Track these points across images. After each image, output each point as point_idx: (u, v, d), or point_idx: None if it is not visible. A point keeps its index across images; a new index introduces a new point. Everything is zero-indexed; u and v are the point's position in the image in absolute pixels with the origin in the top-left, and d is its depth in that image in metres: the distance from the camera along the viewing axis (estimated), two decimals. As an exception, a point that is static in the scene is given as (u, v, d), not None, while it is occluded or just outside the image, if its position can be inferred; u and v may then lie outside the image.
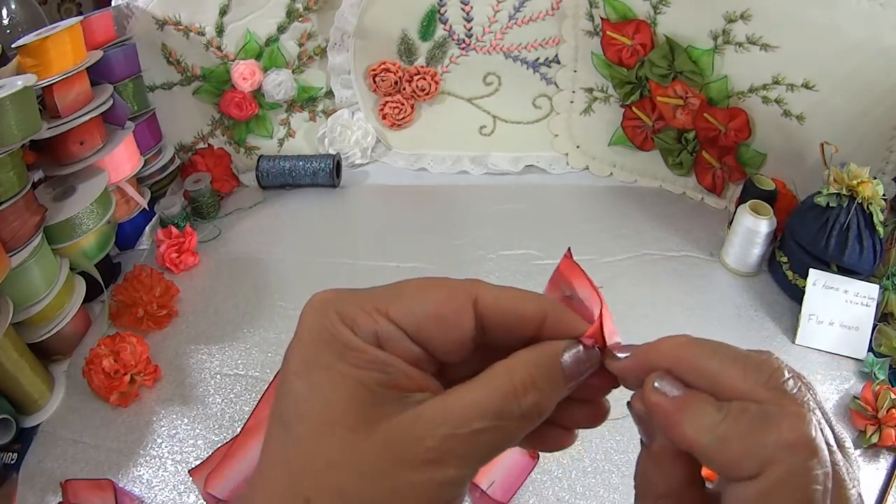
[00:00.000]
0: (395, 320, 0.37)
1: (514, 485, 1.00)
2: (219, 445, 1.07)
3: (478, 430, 0.34)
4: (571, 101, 1.74)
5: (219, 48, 1.62)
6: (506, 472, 1.01)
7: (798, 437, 0.32)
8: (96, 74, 1.34)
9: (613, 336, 0.40)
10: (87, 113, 1.25)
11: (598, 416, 0.42)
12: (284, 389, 0.35)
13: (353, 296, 0.37)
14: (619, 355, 0.39)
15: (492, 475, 1.00)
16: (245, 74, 1.63)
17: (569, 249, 0.44)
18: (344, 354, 0.35)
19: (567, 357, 0.38)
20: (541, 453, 1.03)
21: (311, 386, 0.35)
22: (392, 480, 0.33)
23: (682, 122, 1.55)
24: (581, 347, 0.38)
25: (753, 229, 1.34)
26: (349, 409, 0.34)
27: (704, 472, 0.38)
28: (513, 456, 1.04)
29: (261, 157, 1.72)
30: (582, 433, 0.97)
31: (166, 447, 1.08)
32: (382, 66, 1.72)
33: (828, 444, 0.33)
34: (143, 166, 1.50)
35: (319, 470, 0.33)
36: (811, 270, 1.25)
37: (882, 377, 1.15)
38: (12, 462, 1.04)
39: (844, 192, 1.22)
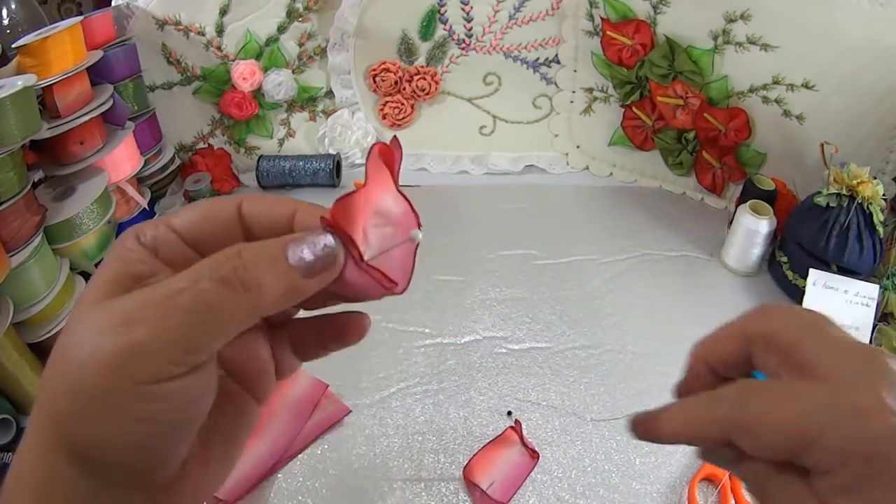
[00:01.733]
0: (174, 227, 0.39)
1: (515, 484, 1.00)
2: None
3: (173, 291, 0.34)
4: (571, 101, 1.74)
5: (219, 48, 1.62)
6: (506, 472, 1.01)
7: None
8: (96, 74, 1.34)
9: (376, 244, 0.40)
10: (87, 113, 1.25)
11: (354, 327, 0.43)
12: None
13: (157, 219, 0.41)
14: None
15: (492, 475, 1.00)
16: (245, 74, 1.63)
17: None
18: (116, 252, 0.38)
19: (294, 247, 0.37)
20: (542, 455, 1.03)
21: (93, 276, 0.38)
22: (94, 342, 0.34)
23: (682, 122, 1.55)
24: (314, 235, 0.38)
25: (753, 229, 1.34)
26: (99, 289, 0.36)
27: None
28: (513, 456, 1.04)
29: (261, 157, 1.72)
30: (582, 434, 0.96)
31: (166, 447, 1.08)
32: (382, 66, 1.72)
33: None
34: (144, 166, 1.49)
35: (63, 333, 0.36)
36: (811, 270, 1.25)
37: (882, 377, 1.14)
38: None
39: (844, 192, 1.22)
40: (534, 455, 1.03)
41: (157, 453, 0.36)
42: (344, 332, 0.43)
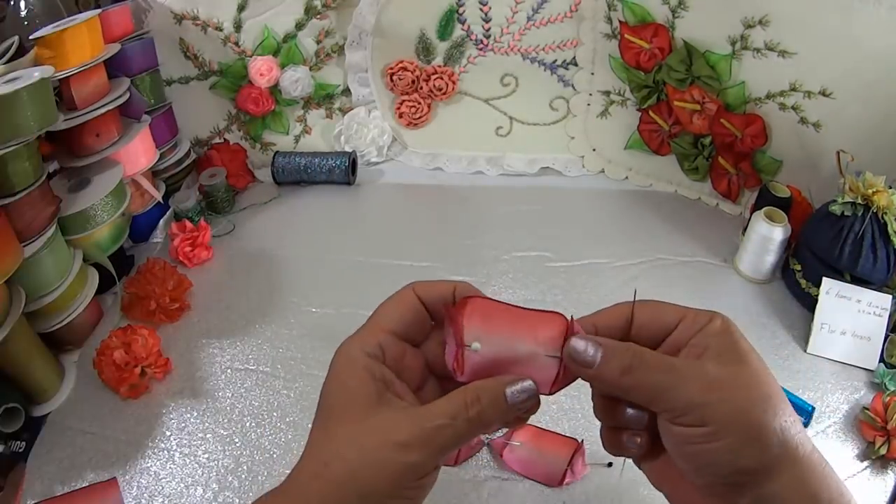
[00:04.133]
0: (388, 329, 0.55)
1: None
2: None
3: (438, 426, 0.50)
4: (588, 104, 1.74)
5: (236, 44, 1.62)
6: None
7: None
8: (113, 67, 1.35)
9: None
10: (103, 105, 1.26)
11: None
12: (323, 400, 0.54)
13: (363, 328, 0.56)
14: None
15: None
16: (262, 70, 1.63)
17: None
18: (349, 373, 0.53)
19: (510, 388, 0.52)
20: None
21: (340, 391, 0.53)
22: (376, 455, 0.49)
23: (699, 127, 1.54)
24: (523, 383, 0.53)
25: (768, 236, 1.33)
26: (359, 406, 0.51)
27: None
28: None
29: (276, 153, 1.72)
30: (591, 437, 0.96)
31: (175, 440, 1.08)
32: (400, 65, 1.72)
33: None
34: (159, 160, 1.50)
35: (335, 442, 0.50)
36: (824, 279, 1.24)
37: (892, 388, 1.14)
38: (20, 451, 1.05)
39: (859, 201, 1.21)
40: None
41: None
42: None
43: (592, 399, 0.58)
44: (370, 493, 0.49)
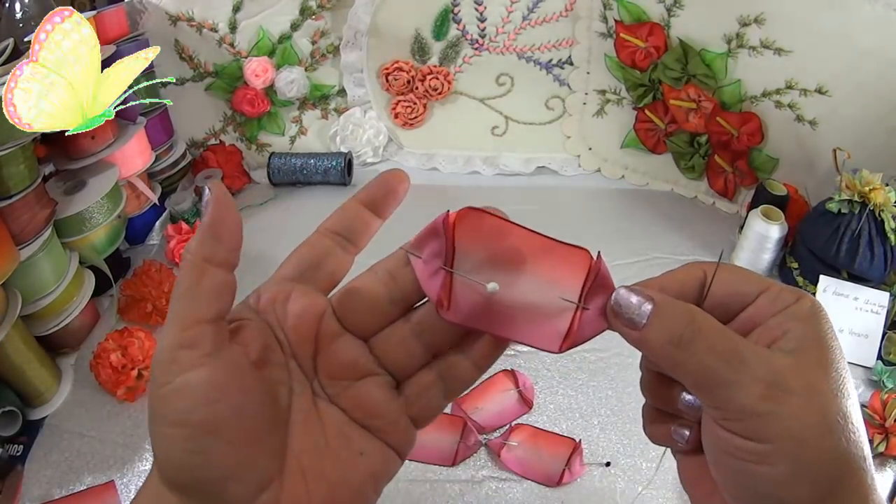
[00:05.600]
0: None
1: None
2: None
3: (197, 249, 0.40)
4: (584, 103, 1.74)
5: (231, 45, 1.62)
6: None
7: None
8: (109, 69, 1.34)
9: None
10: (98, 107, 1.26)
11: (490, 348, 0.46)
12: None
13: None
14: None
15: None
16: (258, 71, 1.63)
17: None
18: None
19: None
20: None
21: None
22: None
23: (695, 125, 1.54)
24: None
25: (764, 234, 1.33)
26: None
27: None
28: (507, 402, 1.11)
29: (272, 154, 1.72)
30: (589, 437, 0.96)
31: (172, 442, 1.08)
32: (395, 65, 1.72)
33: None
34: (155, 162, 1.50)
35: None
36: (821, 277, 1.24)
37: (891, 386, 1.14)
38: (18, 454, 1.05)
39: (856, 198, 1.21)
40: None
41: (211, 463, 0.37)
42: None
43: (640, 368, 0.47)
44: (149, 421, 0.38)
